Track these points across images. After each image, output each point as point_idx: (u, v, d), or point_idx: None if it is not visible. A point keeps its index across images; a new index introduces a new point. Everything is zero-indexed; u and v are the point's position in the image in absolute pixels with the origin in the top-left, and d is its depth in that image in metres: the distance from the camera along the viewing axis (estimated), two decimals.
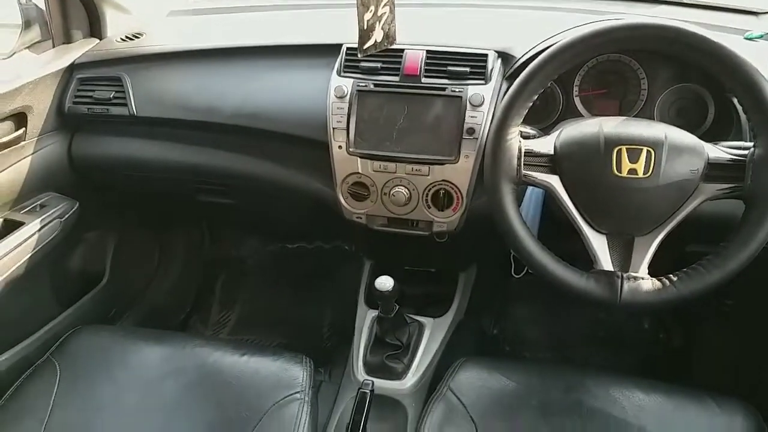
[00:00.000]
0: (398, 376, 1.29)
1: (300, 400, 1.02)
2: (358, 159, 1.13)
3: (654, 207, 0.89)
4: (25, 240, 1.22)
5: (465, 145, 1.08)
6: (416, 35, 1.16)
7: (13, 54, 1.34)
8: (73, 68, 1.34)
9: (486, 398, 1.02)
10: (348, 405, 1.28)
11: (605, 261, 0.91)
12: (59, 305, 1.45)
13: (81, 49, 1.38)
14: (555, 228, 1.00)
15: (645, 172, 0.87)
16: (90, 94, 1.32)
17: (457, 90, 1.09)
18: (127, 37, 1.42)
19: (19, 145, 1.25)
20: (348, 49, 1.16)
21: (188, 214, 1.88)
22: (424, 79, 1.11)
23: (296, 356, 1.11)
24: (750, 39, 1.23)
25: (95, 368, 1.08)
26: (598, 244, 0.92)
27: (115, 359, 1.10)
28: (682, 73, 1.10)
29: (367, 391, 1.04)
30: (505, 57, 1.14)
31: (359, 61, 1.13)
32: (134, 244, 1.73)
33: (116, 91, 1.31)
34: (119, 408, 1.02)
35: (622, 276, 0.89)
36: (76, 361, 1.09)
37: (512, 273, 1.30)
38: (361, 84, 1.12)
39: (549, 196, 0.96)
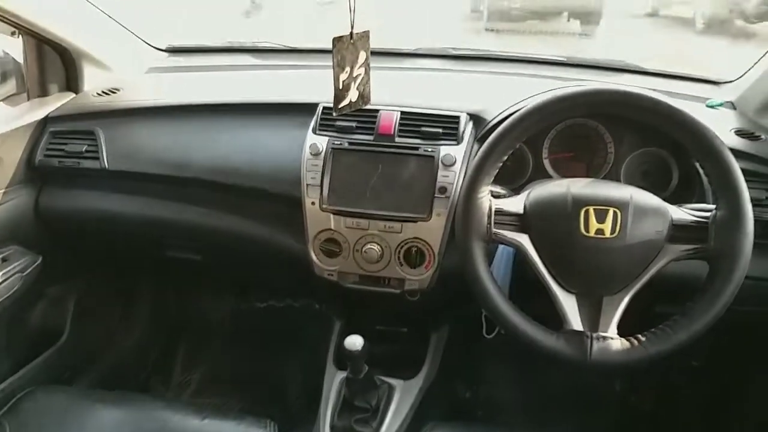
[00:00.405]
0: None
1: None
2: (331, 215, 1.13)
3: (621, 267, 0.90)
4: None
5: (437, 204, 1.09)
6: (391, 96, 1.19)
7: None
8: (46, 121, 1.34)
9: None
10: None
11: (575, 321, 0.91)
12: (14, 364, 1.39)
13: (56, 102, 1.38)
14: (525, 287, 1.00)
15: (612, 232, 0.89)
16: (62, 147, 1.31)
17: (429, 150, 1.11)
18: (103, 92, 1.42)
19: None
20: (324, 108, 1.18)
21: (156, 270, 1.84)
22: (397, 139, 1.13)
23: (260, 421, 1.07)
24: (711, 107, 1.29)
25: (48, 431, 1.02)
26: (568, 304, 0.92)
27: (69, 422, 1.05)
28: (647, 138, 1.14)
29: None
30: (476, 119, 1.17)
31: (335, 120, 1.15)
32: (97, 300, 1.67)
33: (89, 145, 1.30)
34: None
35: (591, 336, 0.89)
36: (28, 423, 1.04)
37: (484, 333, 1.29)
38: (336, 142, 1.14)
39: (519, 255, 0.97)
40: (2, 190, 1.27)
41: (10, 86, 1.39)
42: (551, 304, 0.93)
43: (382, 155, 1.13)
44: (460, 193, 0.98)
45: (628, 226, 0.89)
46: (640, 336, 0.90)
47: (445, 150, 1.11)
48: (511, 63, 1.59)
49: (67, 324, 1.55)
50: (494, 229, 0.94)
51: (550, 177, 1.18)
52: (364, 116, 1.15)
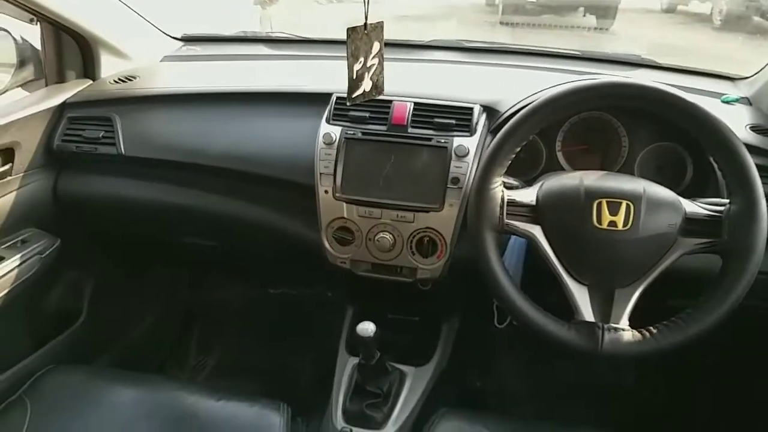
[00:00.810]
0: (378, 425, 1.26)
1: None
2: (344, 204, 1.14)
3: (633, 259, 0.90)
4: (4, 275, 1.21)
5: (449, 194, 1.10)
6: (404, 87, 1.20)
7: (5, 91, 1.36)
8: (64, 107, 1.36)
9: None
10: None
11: (586, 312, 0.92)
12: (34, 343, 1.42)
13: (73, 89, 1.40)
14: (537, 278, 1.01)
15: (624, 225, 0.89)
16: (80, 132, 1.33)
17: (442, 141, 1.11)
18: (120, 79, 1.44)
19: (4, 180, 1.25)
20: (338, 98, 1.19)
21: (171, 256, 1.87)
22: (410, 129, 1.14)
23: (273, 403, 1.08)
24: (726, 102, 1.29)
25: (67, 408, 1.05)
26: (580, 295, 0.92)
27: (87, 400, 1.07)
28: (662, 132, 1.14)
29: None
30: (490, 111, 1.17)
31: (348, 109, 1.16)
32: (114, 283, 1.70)
33: (105, 131, 1.32)
34: None
35: (602, 327, 0.90)
36: (48, 400, 1.06)
37: (495, 323, 1.30)
38: (349, 132, 1.15)
39: (531, 246, 0.98)
40: (21, 174, 1.29)
41: (29, 72, 1.40)
42: (563, 294, 0.94)
43: (395, 145, 1.13)
44: (472, 184, 0.99)
45: (641, 218, 0.89)
46: (651, 328, 0.91)
47: (458, 141, 1.11)
48: (524, 56, 1.59)
49: (84, 306, 1.58)
50: (506, 220, 0.95)
51: (563, 169, 1.18)
52: (378, 106, 1.15)
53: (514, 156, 0.97)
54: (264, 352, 1.88)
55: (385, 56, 0.95)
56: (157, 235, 1.59)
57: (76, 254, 1.46)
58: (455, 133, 1.12)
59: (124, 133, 1.31)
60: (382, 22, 0.91)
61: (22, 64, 1.38)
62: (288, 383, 1.75)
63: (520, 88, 1.19)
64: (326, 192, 1.14)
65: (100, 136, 1.31)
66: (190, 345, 1.92)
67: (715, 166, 1.02)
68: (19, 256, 1.24)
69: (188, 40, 1.75)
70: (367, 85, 0.96)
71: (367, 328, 1.12)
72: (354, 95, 0.94)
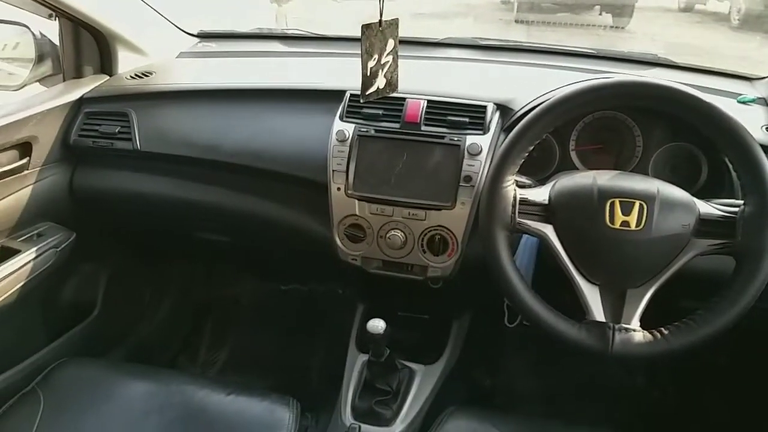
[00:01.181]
0: (386, 422, 1.27)
1: None
2: (356, 201, 1.14)
3: (646, 259, 0.90)
4: (20, 268, 1.22)
5: (462, 193, 1.10)
6: (418, 84, 1.20)
7: (24, 86, 1.38)
8: (81, 102, 1.37)
9: None
10: None
11: (597, 312, 0.91)
12: (48, 335, 1.44)
13: (90, 84, 1.41)
14: (548, 277, 1.01)
15: (637, 225, 0.89)
16: (96, 127, 1.34)
17: (455, 139, 1.11)
18: (136, 75, 1.46)
19: (21, 173, 1.27)
20: (351, 95, 1.20)
21: (184, 251, 1.88)
22: (423, 127, 1.14)
23: (283, 398, 1.09)
24: (743, 102, 1.27)
25: (79, 400, 1.06)
26: (591, 295, 0.92)
27: (100, 392, 1.08)
28: (677, 133, 1.13)
29: None
30: (503, 109, 1.17)
31: (361, 107, 1.16)
32: (128, 278, 1.72)
33: (122, 126, 1.33)
34: None
35: (613, 327, 0.89)
36: (61, 392, 1.08)
37: (506, 322, 1.30)
38: (362, 129, 1.15)
39: (543, 245, 0.98)
40: (38, 168, 1.31)
41: (47, 67, 1.42)
42: (574, 294, 0.93)
43: (407, 143, 1.14)
44: (485, 182, 0.98)
45: (654, 219, 0.88)
46: (663, 329, 0.90)
47: (471, 139, 1.11)
48: (539, 54, 1.58)
49: (98, 299, 1.60)
50: (518, 219, 0.95)
51: (576, 169, 1.17)
52: (391, 104, 1.16)
53: (527, 155, 0.96)
54: (275, 347, 1.89)
55: (399, 54, 0.95)
56: (171, 230, 1.60)
57: (91, 248, 1.48)
58: (468, 132, 1.12)
59: (140, 128, 1.32)
60: (397, 19, 0.91)
61: (40, 59, 1.40)
62: (298, 379, 1.76)
63: (535, 86, 1.19)
64: (338, 189, 1.15)
65: (117, 131, 1.33)
66: (202, 340, 1.93)
67: (730, 166, 1.01)
68: (34, 249, 1.26)
69: (204, 36, 1.76)
70: (381, 82, 0.96)
71: (377, 325, 1.13)
72: (368, 92, 0.94)
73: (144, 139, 1.31)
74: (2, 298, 1.19)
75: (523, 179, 1.02)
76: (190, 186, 1.33)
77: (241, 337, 1.93)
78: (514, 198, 0.95)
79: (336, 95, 1.22)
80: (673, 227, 0.89)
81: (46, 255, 1.28)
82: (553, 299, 0.95)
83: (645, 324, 0.91)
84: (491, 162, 1.02)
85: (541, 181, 1.04)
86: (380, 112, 1.16)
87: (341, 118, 1.18)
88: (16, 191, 1.27)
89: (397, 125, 1.15)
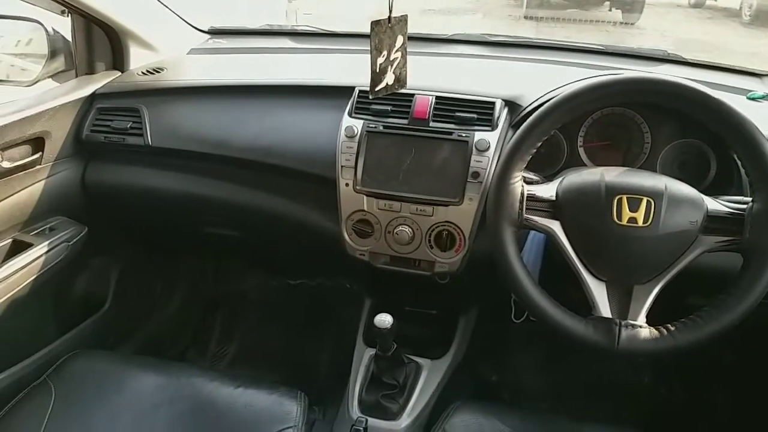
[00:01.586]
0: (393, 416, 1.28)
1: None
2: (364, 197, 1.15)
3: (653, 256, 0.90)
4: (32, 261, 1.24)
5: (469, 188, 1.10)
6: (426, 81, 1.20)
7: (37, 82, 1.39)
8: (93, 98, 1.39)
9: None
10: None
11: (604, 308, 0.92)
12: (59, 328, 1.46)
13: (103, 80, 1.43)
14: (555, 274, 1.01)
15: (645, 221, 0.89)
16: (108, 123, 1.36)
17: (463, 135, 1.12)
18: (148, 71, 1.47)
19: (34, 168, 1.28)
20: (360, 91, 1.20)
21: (195, 245, 1.90)
22: (432, 123, 1.14)
23: (291, 391, 1.10)
24: (753, 99, 1.27)
25: (90, 393, 1.08)
26: (598, 291, 0.92)
27: (110, 385, 1.10)
28: (686, 129, 1.13)
29: (361, 428, 1.03)
30: (512, 105, 1.17)
31: (370, 103, 1.17)
32: (139, 272, 1.74)
33: (133, 122, 1.34)
34: None
35: (620, 323, 0.90)
36: (72, 384, 1.09)
37: (512, 318, 1.30)
38: (371, 125, 1.16)
39: (550, 241, 0.98)
40: (51, 163, 1.33)
41: (59, 63, 1.44)
42: (581, 290, 0.94)
43: (416, 139, 1.14)
44: (492, 178, 0.99)
45: (662, 215, 0.88)
46: (669, 325, 0.90)
47: (479, 135, 1.11)
48: (548, 50, 1.58)
49: (109, 293, 1.61)
50: (526, 215, 0.95)
51: (584, 165, 1.17)
52: (400, 100, 1.16)
53: (534, 151, 0.97)
54: (283, 341, 1.91)
55: (408, 50, 0.96)
56: (181, 225, 1.61)
57: (102, 242, 1.50)
58: (476, 128, 1.13)
59: (152, 124, 1.33)
60: (406, 15, 0.92)
61: (53, 55, 1.41)
62: (306, 372, 1.77)
63: (543, 82, 1.19)
64: (347, 185, 1.15)
65: (128, 126, 1.34)
66: (212, 333, 1.95)
67: (739, 163, 1.01)
68: (46, 243, 1.27)
69: (215, 32, 1.77)
70: (389, 78, 0.96)
71: (384, 319, 1.13)
72: (376, 89, 0.95)
73: (155, 134, 1.33)
74: (15, 291, 1.21)
75: (531, 175, 1.02)
76: (200, 181, 1.34)
77: (250, 331, 1.94)
78: (522, 194, 0.95)
79: (345, 91, 1.23)
80: (681, 224, 0.89)
81: (58, 249, 1.30)
82: (560, 295, 0.95)
83: (651, 320, 0.91)
84: (499, 158, 1.03)
85: (548, 178, 1.04)
86: (389, 108, 1.16)
87: (350, 114, 1.19)
88: (29, 186, 1.28)
89: (405, 121, 1.15)
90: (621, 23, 7.32)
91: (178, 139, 1.32)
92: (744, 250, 0.89)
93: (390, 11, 0.89)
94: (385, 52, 0.93)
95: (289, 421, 1.03)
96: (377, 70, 0.93)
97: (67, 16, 1.42)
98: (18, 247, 1.25)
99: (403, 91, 0.99)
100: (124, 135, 1.34)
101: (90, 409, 1.05)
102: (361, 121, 1.17)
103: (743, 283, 0.88)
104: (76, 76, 1.44)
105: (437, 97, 1.16)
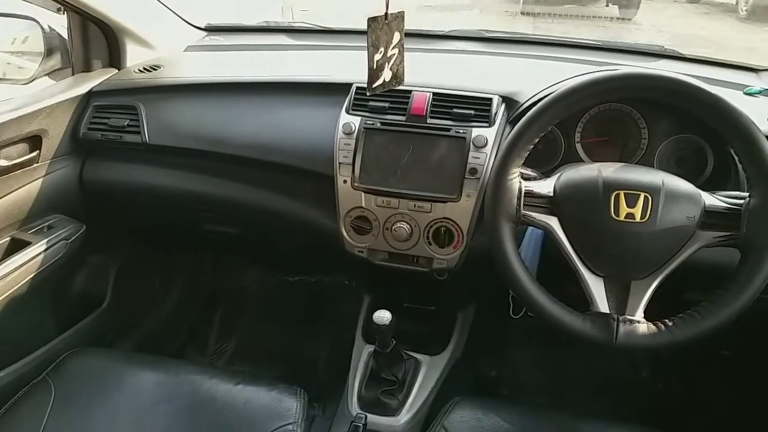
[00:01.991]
0: (392, 412, 1.28)
1: (292, 431, 1.01)
2: (362, 194, 1.15)
3: (650, 251, 0.90)
4: (30, 260, 1.24)
5: (467, 185, 1.10)
6: (424, 77, 1.20)
7: (33, 80, 1.39)
8: (90, 95, 1.38)
9: None
10: None
11: (602, 303, 0.92)
12: (58, 326, 1.46)
13: (99, 77, 1.43)
14: (553, 269, 1.01)
15: (642, 217, 0.89)
16: (105, 121, 1.35)
17: (461, 131, 1.12)
18: (144, 68, 1.46)
19: (31, 166, 1.28)
20: (357, 88, 1.20)
21: (193, 243, 1.90)
22: (429, 120, 1.14)
23: (290, 388, 1.10)
24: (749, 94, 1.27)
25: (90, 390, 1.08)
26: (596, 287, 0.93)
27: (110, 382, 1.10)
28: (683, 124, 1.13)
29: (360, 425, 1.03)
30: (509, 102, 1.17)
31: (368, 100, 1.17)
32: (137, 269, 1.74)
33: (130, 120, 1.34)
34: (111, 431, 1.02)
35: (618, 318, 0.90)
36: (71, 382, 1.09)
37: (511, 313, 1.31)
38: (368, 122, 1.16)
39: (548, 237, 0.98)
40: (48, 161, 1.33)
41: (56, 61, 1.43)
42: (578, 286, 0.94)
43: (413, 136, 1.14)
44: (490, 175, 0.99)
45: (659, 211, 0.89)
46: (667, 321, 0.90)
47: (477, 132, 1.11)
48: (545, 46, 1.58)
49: (108, 290, 1.61)
50: (523, 211, 0.95)
51: (582, 161, 1.18)
52: (397, 97, 1.16)
53: (532, 147, 0.97)
54: (282, 338, 1.91)
55: (405, 46, 0.96)
56: (180, 223, 1.62)
57: (100, 240, 1.50)
58: (474, 124, 1.13)
59: (149, 121, 1.33)
60: (403, 12, 0.91)
61: (49, 53, 1.41)
62: (305, 369, 1.78)
63: (540, 78, 1.19)
64: (345, 181, 1.15)
65: (125, 124, 1.34)
66: (211, 330, 1.95)
67: (736, 158, 1.01)
68: (45, 241, 1.27)
69: (211, 30, 1.77)
70: (386, 75, 0.96)
71: (383, 316, 1.14)
72: (374, 85, 0.95)
73: (152, 132, 1.33)
74: (13, 289, 1.21)
75: (529, 171, 1.02)
76: (198, 179, 1.34)
77: (249, 327, 1.94)
78: (520, 190, 0.95)
79: (342, 88, 1.23)
80: (678, 219, 0.89)
81: (56, 247, 1.30)
82: (558, 291, 0.96)
83: (649, 316, 0.91)
84: (497, 154, 1.03)
85: (546, 174, 1.04)
86: (386, 104, 1.16)
87: (348, 111, 1.19)
88: (27, 184, 1.28)
89: (403, 118, 1.16)
90: (618, 19, 7.32)
91: (176, 136, 1.32)
92: (741, 245, 0.89)
93: (387, 8, 0.89)
94: (382, 49, 0.93)
95: (289, 417, 1.03)
96: (374, 67, 0.93)
97: (63, 13, 1.42)
98: (16, 246, 1.25)
99: (400, 87, 0.99)
100: (121, 133, 1.34)
101: (89, 407, 1.05)
102: (359, 118, 1.17)
103: (740, 278, 0.88)
104: (73, 74, 1.44)
105: (434, 94, 1.17)
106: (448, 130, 1.12)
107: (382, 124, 1.15)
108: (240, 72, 1.45)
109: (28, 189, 1.29)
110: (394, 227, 1.15)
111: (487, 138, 1.10)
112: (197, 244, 1.92)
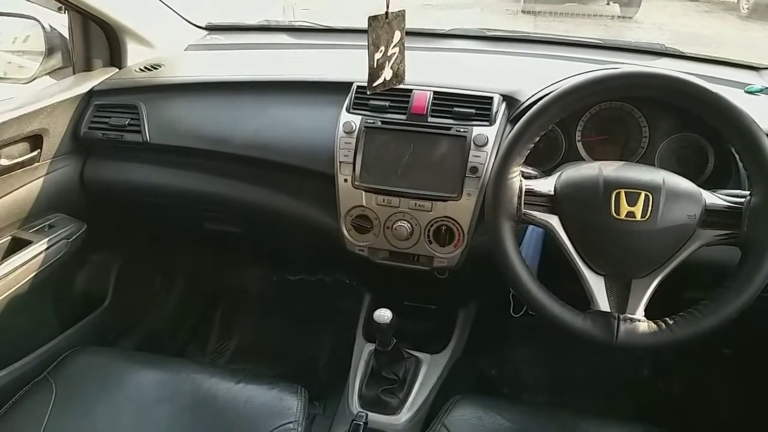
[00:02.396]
0: (393, 410, 1.28)
1: (293, 430, 1.02)
2: (363, 192, 1.15)
3: (651, 250, 0.90)
4: (32, 259, 1.24)
5: (468, 183, 1.10)
6: (424, 76, 1.20)
7: (34, 79, 1.39)
8: (91, 94, 1.39)
9: None
10: None
11: (602, 302, 0.92)
12: (60, 325, 1.46)
13: (100, 76, 1.43)
14: (554, 268, 1.01)
15: (643, 216, 0.89)
16: (106, 120, 1.36)
17: (462, 130, 1.12)
18: (145, 67, 1.47)
19: (32, 166, 1.29)
20: (358, 87, 1.20)
21: (194, 242, 1.90)
22: (430, 119, 1.14)
23: (291, 386, 1.11)
24: (750, 92, 1.27)
25: (91, 389, 1.08)
26: (596, 285, 0.93)
27: (111, 381, 1.10)
28: (683, 123, 1.13)
29: (361, 423, 1.03)
30: (510, 100, 1.17)
31: (368, 98, 1.17)
32: (138, 268, 1.74)
33: (131, 119, 1.34)
34: (113, 430, 1.02)
35: (618, 317, 0.90)
36: (73, 381, 1.09)
37: (511, 312, 1.31)
38: (369, 121, 1.16)
39: (548, 236, 0.98)
40: (49, 160, 1.33)
41: (57, 60, 1.44)
42: (579, 284, 0.94)
43: (414, 134, 1.14)
44: (490, 173, 0.99)
45: (660, 209, 0.88)
46: (667, 319, 0.90)
47: (478, 130, 1.11)
48: (546, 45, 1.58)
49: (109, 289, 1.62)
50: (524, 210, 0.95)
51: (582, 160, 1.18)
52: (398, 95, 1.16)
53: (533, 146, 0.96)
54: (283, 337, 1.91)
55: (406, 45, 0.95)
56: (181, 222, 1.62)
57: (102, 239, 1.50)
58: (474, 123, 1.13)
59: (150, 120, 1.33)
60: (404, 10, 0.91)
61: (50, 52, 1.41)
62: (306, 368, 1.78)
63: (541, 77, 1.19)
64: (345, 180, 1.15)
65: (126, 123, 1.34)
66: (212, 329, 1.95)
67: (737, 157, 1.01)
68: (46, 240, 1.27)
69: (212, 29, 1.77)
70: (387, 74, 0.96)
71: (383, 314, 1.14)
72: (374, 84, 0.95)
73: (153, 131, 1.33)
74: (14, 288, 1.21)
75: (529, 170, 1.02)
76: (199, 178, 1.35)
77: (250, 326, 1.95)
78: (520, 189, 0.95)
79: (343, 87, 1.23)
80: (679, 218, 0.89)
81: (57, 246, 1.30)
82: (559, 289, 0.96)
83: (650, 314, 0.91)
84: (497, 153, 1.03)
85: (546, 172, 1.04)
86: (387, 103, 1.16)
87: (348, 110, 1.19)
88: (28, 183, 1.29)
89: (403, 116, 1.16)
90: (619, 17, 7.31)
91: (177, 135, 1.32)
92: (742, 244, 0.89)
93: (387, 6, 0.89)
94: (382, 48, 0.93)
95: (290, 416, 1.04)
96: (375, 66, 0.93)
97: (64, 12, 1.42)
98: (17, 245, 1.25)
99: (401, 86, 0.99)
100: (122, 132, 1.34)
101: (91, 406, 1.05)
102: (360, 117, 1.17)
103: (741, 277, 0.88)
104: (74, 73, 1.44)
105: (435, 93, 1.16)
106: (449, 128, 1.12)
107: (383, 122, 1.15)
108: (241, 71, 1.45)
109: (29, 188, 1.29)
110: (394, 226, 1.15)
111: (488, 137, 1.10)
112: (198, 243, 1.92)
